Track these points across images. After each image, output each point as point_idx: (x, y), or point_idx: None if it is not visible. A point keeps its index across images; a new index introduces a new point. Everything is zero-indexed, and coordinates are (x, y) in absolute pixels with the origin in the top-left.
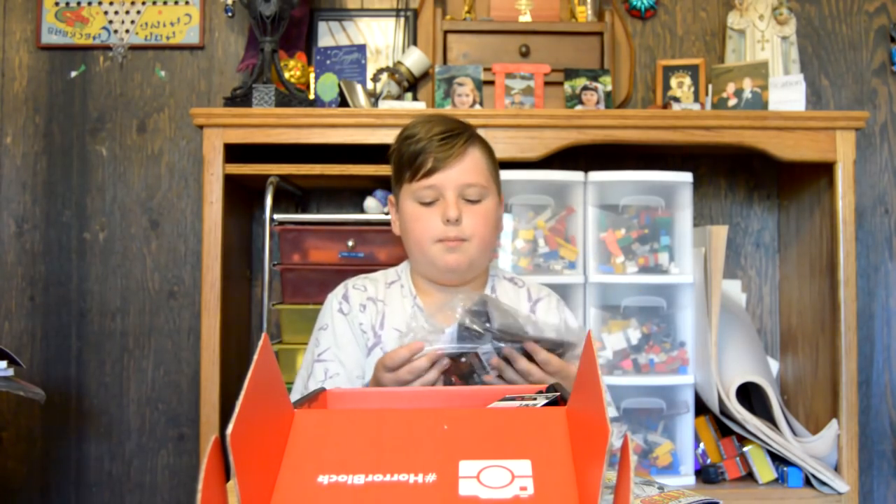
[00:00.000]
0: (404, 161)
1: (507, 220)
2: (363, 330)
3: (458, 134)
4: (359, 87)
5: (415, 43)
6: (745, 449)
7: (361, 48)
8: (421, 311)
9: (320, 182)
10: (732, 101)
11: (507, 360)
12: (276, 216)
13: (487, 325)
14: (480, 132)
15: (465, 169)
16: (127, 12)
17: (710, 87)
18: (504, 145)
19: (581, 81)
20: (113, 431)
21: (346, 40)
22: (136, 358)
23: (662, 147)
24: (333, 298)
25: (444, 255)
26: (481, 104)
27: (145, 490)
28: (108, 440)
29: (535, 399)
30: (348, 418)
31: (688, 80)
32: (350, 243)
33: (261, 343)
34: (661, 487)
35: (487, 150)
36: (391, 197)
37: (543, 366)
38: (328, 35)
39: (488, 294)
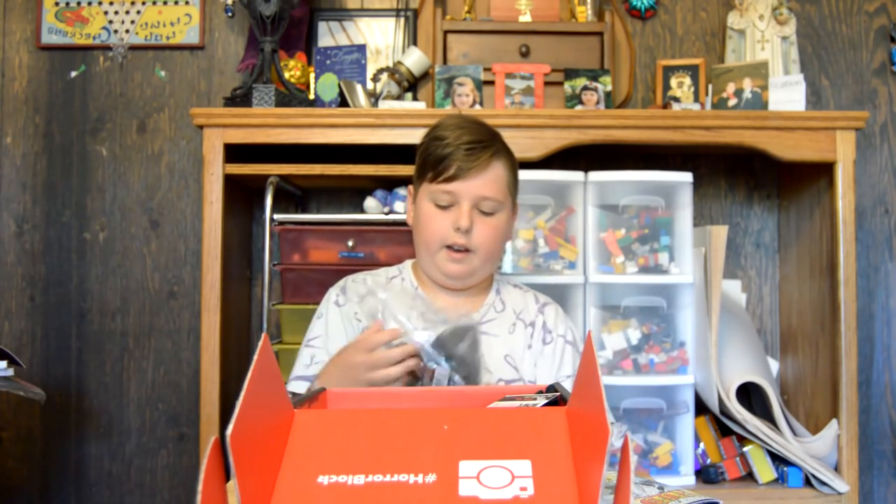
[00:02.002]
0: (429, 161)
1: None
2: (358, 319)
3: (486, 147)
4: (359, 87)
5: (415, 43)
6: (745, 449)
7: (361, 48)
8: (423, 300)
9: (320, 182)
10: (732, 101)
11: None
12: (276, 216)
13: (457, 347)
14: None
15: (485, 182)
16: (127, 12)
17: (710, 87)
18: None
19: (581, 81)
20: (113, 431)
21: (346, 40)
22: (136, 358)
23: (662, 147)
24: (332, 290)
25: (447, 263)
26: (481, 104)
27: (145, 490)
28: (108, 440)
29: (535, 399)
30: (348, 418)
31: (688, 80)
32: (350, 243)
33: (261, 343)
34: (661, 487)
35: (511, 164)
36: (410, 187)
37: None
38: (328, 35)
39: (477, 326)
